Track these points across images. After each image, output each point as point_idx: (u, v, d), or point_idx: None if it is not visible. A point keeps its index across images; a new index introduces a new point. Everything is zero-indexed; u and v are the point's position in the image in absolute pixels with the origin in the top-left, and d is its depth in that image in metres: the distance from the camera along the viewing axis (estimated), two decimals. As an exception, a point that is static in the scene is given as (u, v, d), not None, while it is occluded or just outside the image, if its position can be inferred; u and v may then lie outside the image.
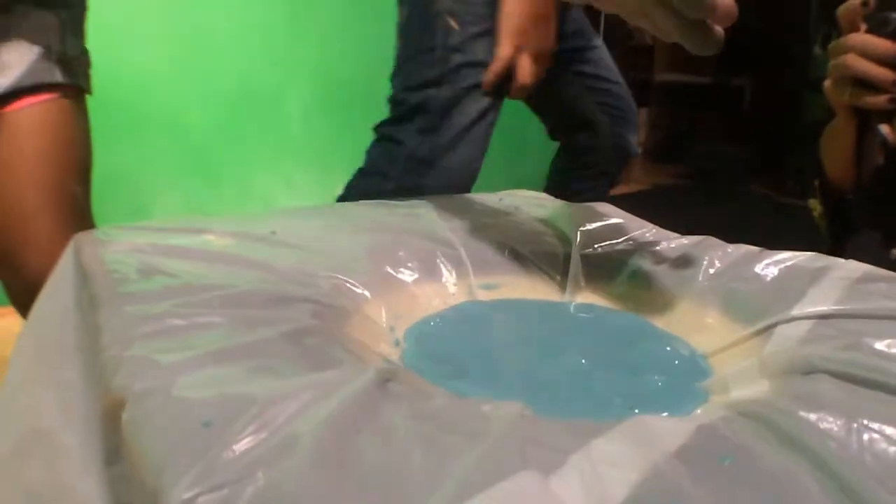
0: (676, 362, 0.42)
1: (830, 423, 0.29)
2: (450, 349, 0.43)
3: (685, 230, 0.63)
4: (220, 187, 2.16)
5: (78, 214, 0.85)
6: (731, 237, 0.62)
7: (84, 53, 0.92)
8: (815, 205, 1.06)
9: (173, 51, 2.02)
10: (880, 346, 0.38)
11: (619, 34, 5.36)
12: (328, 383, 0.30)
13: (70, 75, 0.86)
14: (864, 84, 0.77)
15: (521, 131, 2.96)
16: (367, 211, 0.69)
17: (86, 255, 0.55)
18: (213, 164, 2.15)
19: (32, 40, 0.82)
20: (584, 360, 0.41)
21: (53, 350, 0.56)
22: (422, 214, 0.66)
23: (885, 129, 0.87)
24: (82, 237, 0.62)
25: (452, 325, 0.47)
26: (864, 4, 0.78)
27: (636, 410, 0.35)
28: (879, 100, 0.77)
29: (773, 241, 0.73)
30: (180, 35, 2.03)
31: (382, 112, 1.04)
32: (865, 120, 0.84)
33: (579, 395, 0.37)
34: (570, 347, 0.43)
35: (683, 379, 0.40)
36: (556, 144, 1.30)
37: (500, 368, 0.40)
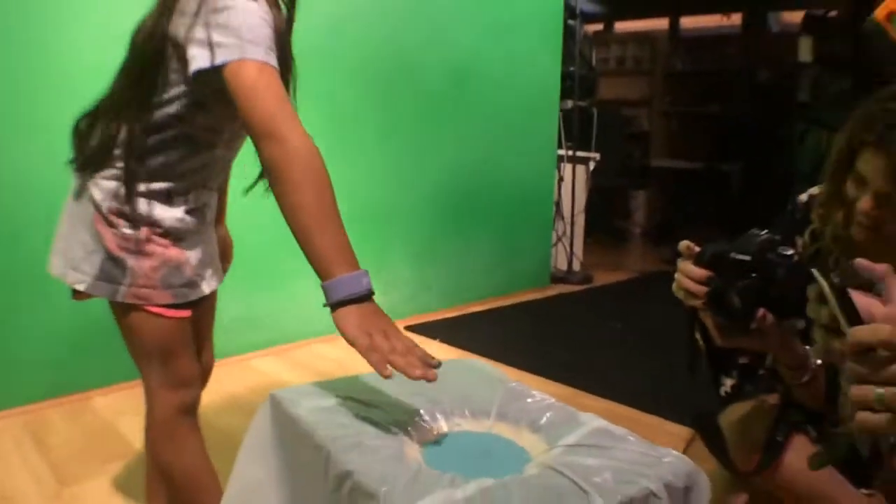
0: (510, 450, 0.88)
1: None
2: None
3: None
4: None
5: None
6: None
7: None
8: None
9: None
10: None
11: (616, 123, 5.74)
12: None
13: None
14: None
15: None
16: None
17: (279, 413, 0.96)
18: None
19: None
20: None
21: (258, 479, 0.96)
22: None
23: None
24: (277, 395, 0.99)
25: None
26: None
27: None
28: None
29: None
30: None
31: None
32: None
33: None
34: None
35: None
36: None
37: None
